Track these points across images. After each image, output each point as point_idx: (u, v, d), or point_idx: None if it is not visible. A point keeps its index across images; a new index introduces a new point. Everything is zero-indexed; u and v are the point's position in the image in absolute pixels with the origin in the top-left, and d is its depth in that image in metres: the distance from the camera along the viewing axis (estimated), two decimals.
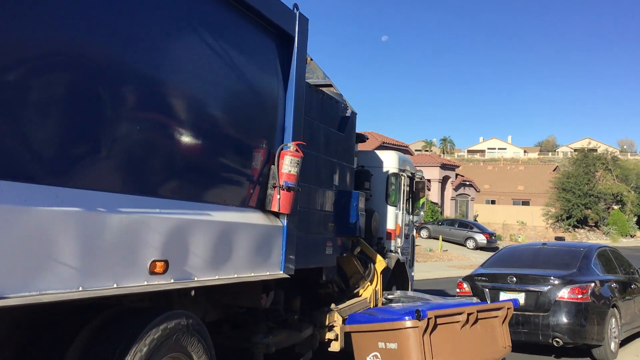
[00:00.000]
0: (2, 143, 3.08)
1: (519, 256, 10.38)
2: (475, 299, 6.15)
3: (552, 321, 8.55)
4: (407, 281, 10.01)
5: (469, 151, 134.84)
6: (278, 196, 5.43)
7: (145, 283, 3.91)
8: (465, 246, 36.83)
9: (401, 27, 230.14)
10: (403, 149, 45.49)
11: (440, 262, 29.18)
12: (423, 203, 10.87)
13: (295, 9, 5.85)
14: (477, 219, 50.18)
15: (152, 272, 3.96)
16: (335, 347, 7.13)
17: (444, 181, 45.64)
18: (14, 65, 3.16)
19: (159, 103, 4.21)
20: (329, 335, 7.13)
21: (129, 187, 3.92)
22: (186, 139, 4.48)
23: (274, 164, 5.49)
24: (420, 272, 24.46)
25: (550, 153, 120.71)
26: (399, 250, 9.90)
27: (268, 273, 5.42)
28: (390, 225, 9.76)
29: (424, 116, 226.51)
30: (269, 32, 5.58)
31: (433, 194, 43.74)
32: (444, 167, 45.43)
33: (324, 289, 7.76)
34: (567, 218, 54.57)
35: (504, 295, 9.00)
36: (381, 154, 10.02)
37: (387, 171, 9.81)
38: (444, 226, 38.86)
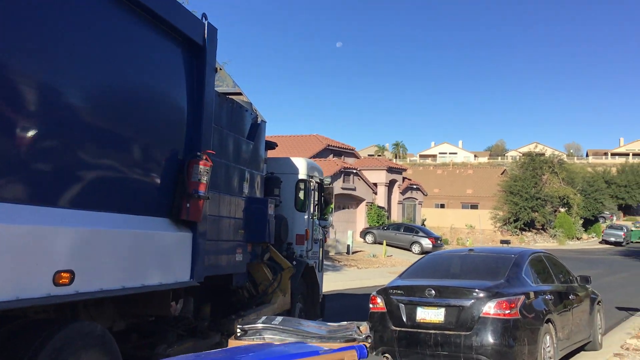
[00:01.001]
0: None
1: (442, 264, 9.05)
2: (362, 328, 4.65)
3: (476, 342, 7.23)
4: (316, 285, 10.25)
5: (420, 156, 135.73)
6: (187, 205, 5.49)
7: (49, 294, 3.85)
8: (410, 251, 35.84)
9: (356, 33, 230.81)
10: (349, 152, 44.44)
11: (382, 268, 28.01)
12: (331, 209, 11.13)
13: (203, 18, 5.92)
14: (425, 222, 49.43)
15: (57, 283, 3.92)
16: None
17: (390, 185, 44.61)
18: None
19: (59, 110, 4.09)
20: None
21: (31, 198, 3.85)
22: (91, 147, 4.42)
23: (183, 173, 5.53)
24: (360, 279, 23.24)
25: (499, 157, 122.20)
26: (308, 255, 10.09)
27: (177, 281, 5.45)
28: (299, 230, 9.91)
29: (378, 122, 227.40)
30: (177, 40, 5.61)
31: (380, 198, 42.66)
32: (390, 170, 44.41)
33: (234, 295, 7.88)
34: (515, 221, 54.51)
35: (421, 312, 7.66)
36: (290, 160, 10.14)
37: (296, 178, 9.96)
38: (390, 231, 37.79)
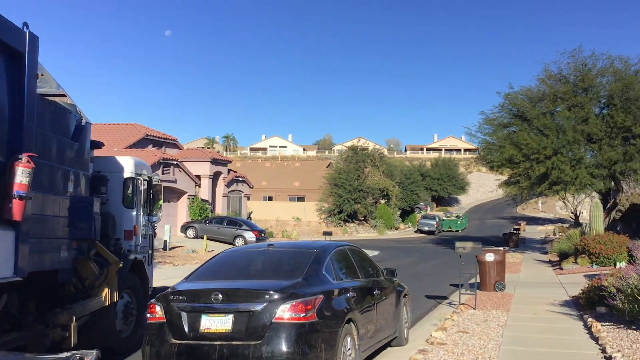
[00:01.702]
0: None
1: (236, 263, 7.96)
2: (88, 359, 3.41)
3: (266, 352, 6.24)
4: (146, 278, 10.53)
5: (251, 149, 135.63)
6: (9, 204, 5.81)
7: None
8: (234, 245, 34.69)
9: (187, 24, 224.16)
10: (170, 142, 42.26)
11: (201, 263, 26.55)
12: (160, 205, 11.57)
13: (25, 27, 6.20)
14: (251, 216, 48.70)
15: None
16: (69, 344, 7.58)
17: (215, 177, 43.12)
18: None
19: None
20: (63, 333, 7.55)
21: None
22: None
23: (5, 174, 5.82)
24: (173, 277, 21.54)
25: (327, 151, 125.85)
26: (137, 250, 10.39)
27: None
28: (127, 226, 10.20)
29: (209, 114, 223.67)
30: None
31: (203, 191, 41.01)
32: (215, 162, 42.92)
33: (61, 290, 8.12)
34: (339, 213, 55.86)
35: (206, 320, 6.50)
36: (118, 159, 10.41)
37: (124, 176, 10.24)
38: (212, 224, 36.42)
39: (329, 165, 71.46)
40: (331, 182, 57.11)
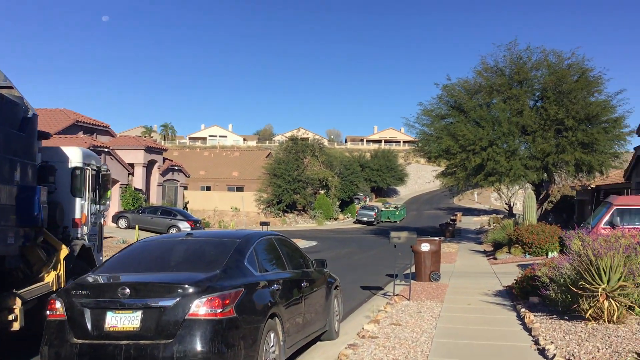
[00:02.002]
0: None
1: (150, 254, 7.25)
2: None
3: (178, 352, 5.65)
4: (94, 264, 10.58)
5: (190, 138, 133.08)
6: None
7: None
8: None
9: (123, 8, 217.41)
10: (102, 129, 40.57)
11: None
12: (109, 194, 12.06)
13: None
14: (187, 205, 47.46)
15: None
16: (15, 327, 7.77)
17: (150, 166, 41.67)
18: None
19: None
20: (9, 317, 7.71)
21: None
22: None
23: None
24: None
25: (267, 141, 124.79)
26: (85, 237, 10.71)
27: None
28: (76, 215, 10.54)
29: (147, 103, 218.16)
30: None
31: (137, 180, 39.55)
32: (149, 150, 41.45)
33: (8, 275, 8.33)
34: (278, 203, 55.28)
35: (112, 317, 5.85)
36: (65, 149, 10.64)
37: (71, 165, 10.51)
38: (146, 214, 35.15)
39: (268, 155, 70.68)
40: (270, 172, 56.42)
